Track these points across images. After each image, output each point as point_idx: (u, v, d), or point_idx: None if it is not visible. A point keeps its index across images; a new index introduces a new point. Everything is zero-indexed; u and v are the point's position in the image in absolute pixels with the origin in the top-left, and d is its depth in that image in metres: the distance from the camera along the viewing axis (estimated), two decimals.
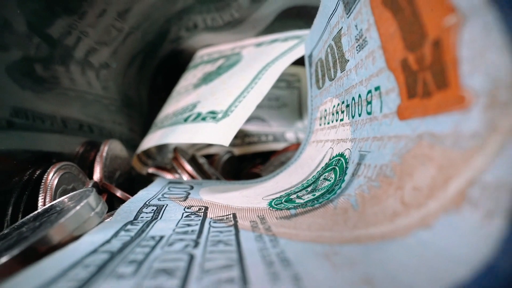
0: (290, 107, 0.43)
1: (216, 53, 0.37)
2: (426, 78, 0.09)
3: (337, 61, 0.17)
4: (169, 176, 0.26)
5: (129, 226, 0.13)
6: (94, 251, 0.10)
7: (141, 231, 0.12)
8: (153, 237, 0.11)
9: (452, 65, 0.08)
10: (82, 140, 0.26)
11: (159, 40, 0.40)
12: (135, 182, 0.31)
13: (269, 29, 0.38)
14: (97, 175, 0.23)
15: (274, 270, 0.08)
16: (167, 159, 0.35)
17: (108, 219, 0.14)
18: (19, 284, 0.07)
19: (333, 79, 0.18)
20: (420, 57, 0.09)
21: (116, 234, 0.11)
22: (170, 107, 0.31)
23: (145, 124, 0.38)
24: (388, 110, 0.12)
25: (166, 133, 0.25)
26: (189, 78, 0.36)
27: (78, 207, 0.12)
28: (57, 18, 0.23)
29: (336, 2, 0.15)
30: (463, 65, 0.07)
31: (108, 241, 0.11)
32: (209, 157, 0.35)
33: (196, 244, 0.10)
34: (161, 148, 0.36)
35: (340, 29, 0.15)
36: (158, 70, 0.42)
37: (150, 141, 0.27)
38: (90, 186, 0.20)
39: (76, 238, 0.12)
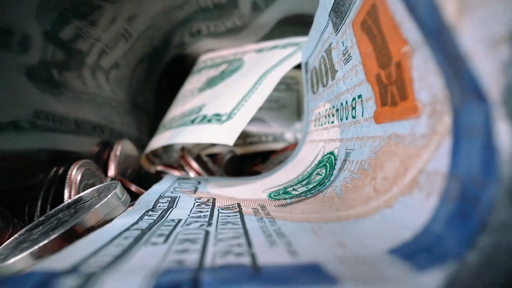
0: (289, 108, 0.45)
1: (219, 58, 0.40)
2: (393, 90, 0.12)
3: (329, 70, 0.19)
4: (176, 173, 0.29)
5: (150, 213, 0.15)
6: (127, 229, 0.12)
7: (161, 216, 0.14)
8: (172, 220, 0.13)
9: (409, 82, 0.10)
10: (96, 140, 0.28)
11: (164, 45, 0.42)
12: (143, 180, 0.33)
13: (269, 35, 0.40)
14: (111, 171, 0.26)
15: (272, 239, 0.10)
16: (172, 158, 0.37)
17: (130, 208, 0.16)
18: (78, 249, 0.10)
19: (325, 86, 0.21)
20: (389, 74, 0.12)
21: (141, 218, 0.14)
22: (177, 109, 0.34)
23: (152, 125, 0.41)
24: (367, 115, 0.14)
25: (175, 134, 0.28)
26: (193, 82, 0.38)
27: (108, 197, 0.15)
28: (70, 26, 0.26)
29: (327, 20, 0.17)
30: (415, 83, 0.10)
31: (136, 223, 0.13)
32: (212, 156, 0.38)
33: (209, 224, 0.12)
34: (167, 148, 0.38)
35: (331, 43, 0.18)
36: (164, 74, 0.45)
37: (159, 141, 0.30)
38: (108, 181, 0.22)
39: (106, 222, 0.14)
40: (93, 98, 0.31)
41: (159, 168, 0.29)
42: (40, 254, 0.13)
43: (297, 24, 0.39)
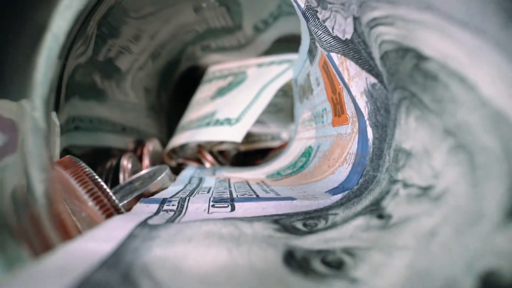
0: (285, 112, 0.54)
1: (225, 70, 0.49)
2: (338, 108, 0.20)
3: (308, 88, 0.28)
4: (194, 165, 0.37)
5: (188, 186, 0.24)
6: (181, 190, 0.21)
7: (197, 185, 0.23)
8: (205, 187, 0.22)
9: (343, 104, 0.19)
10: (131, 139, 0.37)
11: (179, 57, 0.51)
12: None
13: (268, 51, 0.49)
14: (146, 162, 0.34)
15: (267, 191, 0.19)
16: (187, 153, 0.46)
17: (173, 183, 0.25)
18: (161, 195, 0.18)
19: (308, 99, 0.29)
20: (336, 98, 0.20)
21: (185, 186, 0.22)
22: (193, 113, 0.42)
23: (169, 127, 0.50)
24: (329, 121, 0.23)
25: (194, 134, 0.36)
26: (204, 90, 0.47)
27: (163, 174, 0.23)
28: (109, 43, 0.34)
29: (306, 56, 0.26)
30: (345, 105, 0.19)
31: (184, 188, 0.22)
32: (221, 152, 0.46)
33: (229, 187, 0.21)
34: (183, 145, 0.47)
35: (309, 71, 0.27)
36: (178, 82, 0.54)
37: (180, 139, 0.38)
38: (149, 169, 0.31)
39: (163, 189, 0.23)
40: (121, 104, 0.40)
41: (180, 160, 0.38)
42: (126, 209, 0.21)
43: (291, 41, 0.47)
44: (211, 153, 0.39)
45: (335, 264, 0.09)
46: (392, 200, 0.11)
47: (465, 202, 0.08)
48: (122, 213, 0.14)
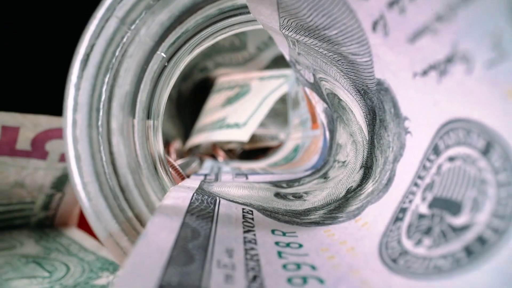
0: (283, 116, 0.65)
1: (232, 81, 0.60)
2: (314, 118, 0.31)
3: (297, 102, 0.39)
4: (209, 159, 0.49)
5: (212, 171, 0.35)
6: (208, 173, 0.32)
7: (218, 170, 0.34)
8: (225, 171, 0.33)
9: (316, 116, 0.30)
10: None
11: (192, 70, 0.62)
12: None
13: (269, 65, 0.60)
14: (173, 157, 0.46)
15: (265, 171, 0.30)
16: (200, 151, 0.57)
17: (200, 170, 0.36)
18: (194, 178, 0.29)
19: (297, 109, 0.41)
20: (312, 111, 0.32)
21: (211, 170, 0.34)
22: (206, 118, 0.54)
23: (185, 129, 0.61)
24: (310, 126, 0.34)
25: (209, 135, 0.48)
26: (215, 99, 0.58)
27: (195, 163, 0.34)
28: None
29: (295, 80, 0.37)
30: (318, 116, 0.30)
31: (210, 172, 0.33)
32: (229, 151, 0.57)
33: (242, 171, 0.32)
34: (197, 146, 0.58)
35: (297, 90, 0.38)
36: (192, 92, 0.65)
37: (197, 139, 0.50)
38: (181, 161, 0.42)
39: (195, 172, 0.34)
40: None
41: (198, 156, 0.49)
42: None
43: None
44: (222, 148, 0.51)
45: (298, 196, 0.20)
46: (331, 170, 0.23)
47: (353, 160, 0.19)
48: (184, 178, 0.25)
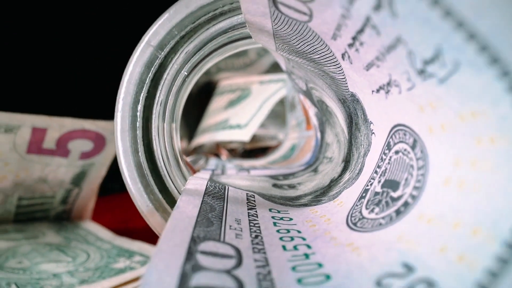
0: (281, 118, 0.69)
1: (234, 85, 0.64)
2: (307, 120, 0.36)
3: (294, 105, 0.44)
4: (214, 157, 0.53)
5: (217, 167, 0.39)
6: (215, 169, 0.36)
7: (223, 167, 0.38)
8: (229, 167, 0.38)
9: (309, 118, 0.35)
10: None
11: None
12: None
13: (268, 70, 0.64)
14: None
15: (265, 167, 0.34)
16: (203, 151, 0.61)
17: (207, 166, 0.40)
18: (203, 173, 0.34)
19: (294, 111, 0.45)
20: (306, 114, 0.36)
21: (216, 167, 0.38)
22: (210, 120, 0.58)
23: (190, 130, 0.65)
24: (304, 127, 0.38)
25: (213, 135, 0.52)
26: (218, 101, 0.63)
27: (202, 160, 0.39)
28: None
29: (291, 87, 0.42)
30: (311, 118, 0.34)
31: (216, 167, 0.37)
32: (230, 150, 0.62)
33: (244, 168, 0.37)
34: (202, 145, 0.62)
35: (294, 94, 0.42)
36: (196, 94, 0.69)
37: (202, 139, 0.54)
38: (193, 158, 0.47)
39: (202, 168, 0.38)
40: None
41: (202, 154, 0.53)
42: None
43: None
44: (225, 148, 0.55)
45: (292, 186, 0.25)
46: (320, 165, 0.27)
47: (337, 156, 0.24)
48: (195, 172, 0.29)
